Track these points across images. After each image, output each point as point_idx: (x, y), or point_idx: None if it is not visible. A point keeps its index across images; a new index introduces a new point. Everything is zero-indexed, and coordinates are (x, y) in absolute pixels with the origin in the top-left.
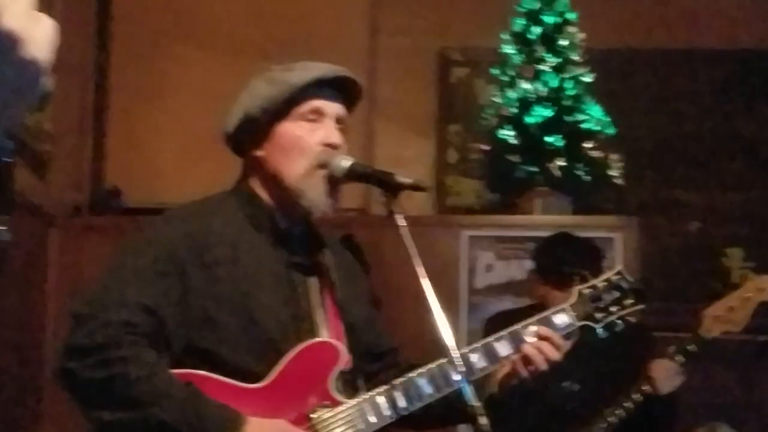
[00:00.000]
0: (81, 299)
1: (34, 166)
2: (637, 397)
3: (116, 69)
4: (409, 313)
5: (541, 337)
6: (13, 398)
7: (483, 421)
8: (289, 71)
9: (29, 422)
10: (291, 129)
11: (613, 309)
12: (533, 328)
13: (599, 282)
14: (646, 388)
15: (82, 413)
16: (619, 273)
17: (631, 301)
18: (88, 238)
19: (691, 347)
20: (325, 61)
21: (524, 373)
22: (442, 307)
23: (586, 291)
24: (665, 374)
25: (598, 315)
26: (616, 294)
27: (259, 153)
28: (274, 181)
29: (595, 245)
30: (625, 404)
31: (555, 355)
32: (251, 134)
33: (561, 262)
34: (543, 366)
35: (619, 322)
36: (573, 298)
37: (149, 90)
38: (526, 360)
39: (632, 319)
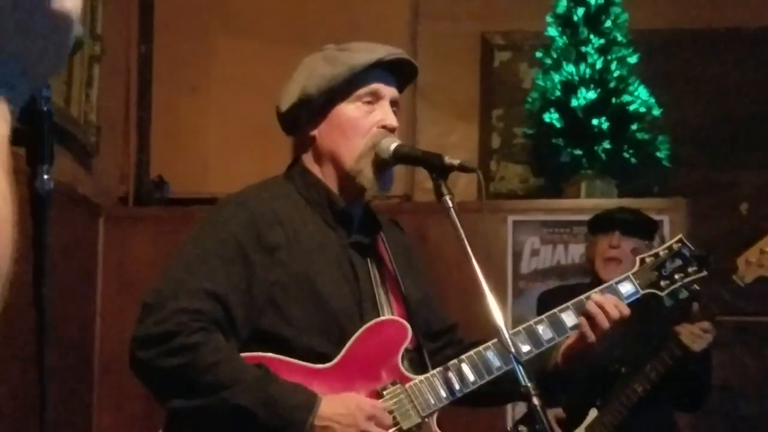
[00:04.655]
0: (149, 290)
1: (81, 157)
2: (669, 356)
3: (160, 60)
4: (452, 302)
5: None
6: (65, 388)
7: (536, 401)
8: (348, 51)
9: (81, 412)
10: (349, 110)
11: (677, 277)
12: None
13: (661, 250)
14: (676, 349)
15: (157, 401)
16: (680, 241)
17: (695, 268)
18: (134, 228)
19: (726, 295)
20: None
21: (591, 337)
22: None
23: (649, 259)
24: (695, 332)
25: (663, 283)
26: (679, 262)
27: (314, 132)
28: (329, 161)
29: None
30: (662, 362)
31: (617, 314)
32: (307, 113)
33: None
34: (605, 325)
35: (684, 290)
36: (635, 267)
37: (193, 80)
38: (592, 322)
39: (696, 287)
